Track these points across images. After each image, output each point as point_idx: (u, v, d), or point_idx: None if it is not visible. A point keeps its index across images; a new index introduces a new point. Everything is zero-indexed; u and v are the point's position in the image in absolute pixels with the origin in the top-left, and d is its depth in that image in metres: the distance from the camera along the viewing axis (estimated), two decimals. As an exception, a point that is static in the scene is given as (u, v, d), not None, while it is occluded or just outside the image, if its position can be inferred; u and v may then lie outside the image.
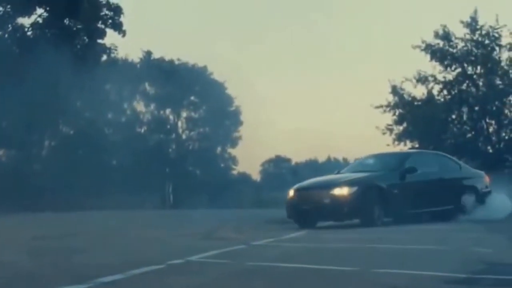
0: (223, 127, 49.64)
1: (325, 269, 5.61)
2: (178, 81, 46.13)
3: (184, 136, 50.03)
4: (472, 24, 23.06)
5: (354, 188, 11.73)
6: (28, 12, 30.55)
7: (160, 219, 18.12)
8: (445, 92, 23.71)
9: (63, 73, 27.61)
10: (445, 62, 23.37)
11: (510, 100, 23.25)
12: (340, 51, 78.17)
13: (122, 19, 31.82)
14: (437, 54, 23.28)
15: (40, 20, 31.12)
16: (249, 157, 65.00)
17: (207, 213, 20.39)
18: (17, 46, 30.47)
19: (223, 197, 37.55)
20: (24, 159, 32.67)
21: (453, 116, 24.04)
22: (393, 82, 23.92)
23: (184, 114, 49.56)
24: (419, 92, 24.09)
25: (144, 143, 44.50)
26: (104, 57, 32.90)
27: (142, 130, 48.05)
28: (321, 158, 63.31)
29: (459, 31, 23.32)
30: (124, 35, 31.94)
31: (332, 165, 41.22)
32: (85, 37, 31.56)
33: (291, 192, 12.43)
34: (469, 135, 23.98)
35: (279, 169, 63.06)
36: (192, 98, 49.33)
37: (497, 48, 23.07)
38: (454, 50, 23.33)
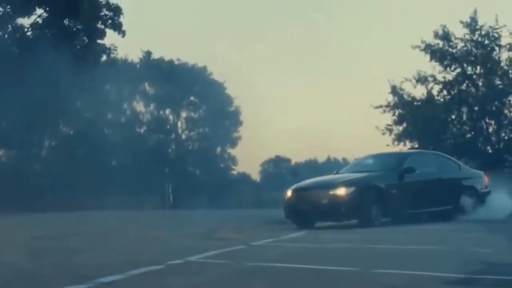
0: (222, 127, 49.64)
1: (325, 269, 5.62)
2: (177, 81, 46.14)
3: (183, 136, 50.05)
4: (472, 24, 23.07)
5: (352, 189, 11.69)
6: (28, 13, 30.55)
7: (160, 219, 18.13)
8: (444, 92, 23.72)
9: (63, 73, 27.61)
10: (445, 62, 23.38)
11: (509, 100, 23.26)
12: (340, 51, 78.27)
13: (121, 19, 31.83)
14: (436, 54, 23.29)
15: (39, 20, 31.12)
16: (248, 157, 65.10)
17: (206, 213, 20.39)
18: (17, 47, 30.47)
19: (223, 197, 37.56)
20: (24, 159, 32.67)
21: (453, 116, 24.04)
22: (392, 82, 23.96)
23: (183, 114, 49.59)
24: (419, 92, 24.15)
25: (144, 143, 44.51)
26: (104, 57, 32.91)
27: (142, 130, 48.05)
28: (321, 158, 63.39)
29: (459, 31, 23.37)
30: (123, 36, 31.95)
31: (331, 165, 41.25)
32: (84, 38, 31.56)
33: (289, 193, 12.39)
34: (468, 135, 23.99)
35: (278, 169, 63.09)
36: (191, 98, 49.34)
37: (496, 48, 23.08)
38: (454, 50, 23.34)
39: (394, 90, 23.93)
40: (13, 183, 27.98)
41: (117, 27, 31.68)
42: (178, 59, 47.82)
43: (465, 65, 23.38)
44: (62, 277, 5.32)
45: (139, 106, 48.19)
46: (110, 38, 32.28)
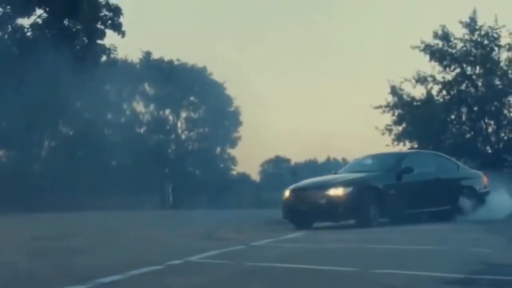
0: (222, 128, 49.64)
1: (324, 270, 5.63)
2: (177, 82, 46.14)
3: (183, 137, 50.05)
4: (471, 25, 23.09)
5: (350, 189, 11.66)
6: (28, 13, 30.56)
7: (160, 219, 18.14)
8: (444, 92, 23.74)
9: (62, 73, 27.62)
10: (444, 63, 23.40)
11: (509, 101, 23.29)
12: (340, 51, 78.30)
13: (121, 19, 31.86)
14: (436, 55, 23.31)
15: (39, 20, 31.14)
16: (248, 158, 65.19)
17: (206, 214, 20.41)
18: (17, 47, 30.48)
19: (223, 198, 37.56)
20: (24, 160, 32.68)
21: (452, 117, 24.06)
22: (392, 82, 23.99)
23: (183, 114, 49.58)
24: (418, 92, 24.18)
25: (144, 143, 44.50)
26: (104, 58, 32.93)
27: (142, 131, 48.05)
28: (321, 159, 63.45)
29: (458, 32, 23.40)
30: (123, 36, 31.96)
31: (331, 165, 41.27)
32: (84, 38, 31.58)
33: (287, 193, 12.35)
34: (468, 135, 24.01)
35: (278, 170, 63.11)
36: (191, 98, 49.34)
37: (496, 49, 23.11)
38: (453, 51, 23.36)
39: (394, 90, 23.95)
40: (13, 183, 27.99)
41: (117, 27, 31.70)
42: (177, 60, 47.86)
43: (464, 65, 23.40)
44: (62, 278, 5.33)
45: (139, 107, 48.22)
46: (110, 38, 32.32)
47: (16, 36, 30.72)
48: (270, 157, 64.19)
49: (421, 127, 23.40)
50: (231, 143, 50.37)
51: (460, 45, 23.34)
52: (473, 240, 8.20)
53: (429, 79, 23.55)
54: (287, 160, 63.54)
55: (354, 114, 75.18)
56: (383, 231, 10.40)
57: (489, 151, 23.61)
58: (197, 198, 37.05)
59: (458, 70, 23.45)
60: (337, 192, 11.65)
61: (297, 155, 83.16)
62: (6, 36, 30.71)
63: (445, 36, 23.32)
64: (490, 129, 23.70)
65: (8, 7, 29.96)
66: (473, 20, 23.07)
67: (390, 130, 23.94)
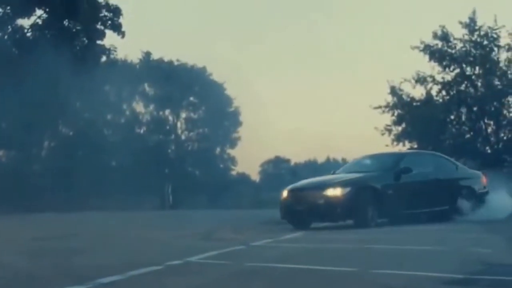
0: (222, 128, 49.66)
1: (324, 270, 5.63)
2: (177, 82, 46.15)
3: (183, 137, 50.06)
4: (471, 25, 23.09)
5: (347, 189, 11.61)
6: (28, 13, 30.58)
7: (160, 219, 18.15)
8: (443, 92, 23.74)
9: (62, 74, 27.65)
10: (444, 63, 23.40)
11: (508, 101, 23.29)
12: (340, 51, 78.33)
13: (121, 20, 31.89)
14: (435, 55, 23.31)
15: (39, 21, 31.15)
16: (248, 158, 65.25)
17: (206, 214, 20.42)
18: (17, 47, 30.51)
19: (222, 198, 37.61)
20: (23, 160, 32.70)
21: (452, 117, 24.06)
22: (392, 82, 23.98)
23: (183, 114, 49.60)
24: (418, 92, 24.15)
25: (144, 143, 44.51)
26: (104, 58, 32.95)
27: (142, 131, 48.07)
28: (320, 159, 63.50)
29: (458, 32, 23.39)
30: (123, 36, 31.99)
31: (331, 166, 41.24)
32: (84, 38, 31.60)
33: (285, 193, 12.31)
34: (467, 135, 24.01)
35: (278, 170, 63.10)
36: (191, 98, 49.36)
37: (495, 49, 23.10)
38: (453, 51, 23.36)
39: (393, 91, 23.95)
40: (13, 183, 28.01)
41: (117, 28, 31.72)
42: (177, 60, 47.89)
43: (464, 65, 23.40)
44: (61, 278, 5.34)
45: (139, 107, 48.25)
46: (110, 39, 32.35)
47: (16, 37, 30.74)
48: (269, 157, 64.25)
49: (420, 128, 23.40)
50: (231, 143, 50.39)
51: (459, 45, 23.37)
52: (473, 240, 8.21)
53: (429, 79, 23.56)
54: (287, 160, 63.58)
55: (354, 114, 75.24)
56: (382, 231, 10.40)
57: (489, 151, 23.61)
58: (197, 198, 37.10)
59: (457, 70, 23.45)
60: (335, 192, 11.61)
61: (297, 155, 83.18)
62: (6, 37, 30.74)
63: (445, 37, 23.33)
64: (489, 129, 23.71)
65: (8, 7, 29.98)
66: (472, 20, 23.08)
67: (389, 131, 23.94)
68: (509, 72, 23.14)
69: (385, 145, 23.76)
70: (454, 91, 23.57)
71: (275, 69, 76.95)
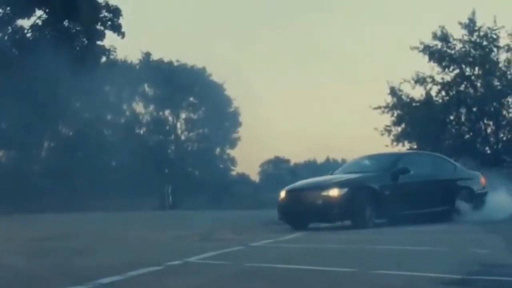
0: (222, 128, 49.70)
1: (323, 270, 5.65)
2: (177, 82, 46.18)
3: (183, 137, 50.10)
4: (470, 26, 23.12)
5: (345, 190, 11.54)
6: (28, 14, 30.62)
7: (159, 220, 18.15)
8: (443, 93, 23.76)
9: (62, 74, 27.67)
10: (443, 63, 23.42)
11: (508, 101, 23.31)
12: (340, 51, 78.41)
13: (121, 20, 31.94)
14: (435, 55, 23.33)
15: (39, 22, 31.19)
16: (248, 158, 65.31)
17: (206, 214, 20.42)
18: (17, 48, 30.54)
19: (222, 198, 37.59)
20: (23, 160, 32.72)
21: (451, 117, 24.08)
22: (391, 83, 24.01)
23: (183, 115, 49.65)
24: (417, 93, 24.17)
25: (143, 144, 44.53)
26: (103, 59, 33.00)
27: (141, 131, 48.11)
28: (320, 159, 63.58)
29: (457, 33, 23.43)
30: (123, 37, 32.04)
31: (331, 166, 41.23)
32: (84, 39, 31.63)
33: (283, 194, 12.26)
34: (467, 136, 24.03)
35: (278, 170, 63.14)
36: (191, 99, 49.39)
37: (495, 49, 23.13)
38: (452, 51, 23.39)
39: (393, 91, 23.97)
40: (13, 183, 28.03)
41: (117, 28, 31.76)
42: (177, 60, 47.93)
43: (463, 66, 23.43)
44: (61, 278, 5.36)
45: (139, 107, 48.30)
46: (110, 39, 32.41)
47: (16, 37, 30.78)
48: (269, 157, 64.33)
49: (420, 128, 23.41)
50: (230, 143, 50.43)
51: (459, 46, 23.40)
52: (471, 241, 8.22)
53: (428, 80, 23.58)
54: (287, 161, 63.64)
55: (354, 114, 75.39)
56: (382, 232, 10.40)
57: (488, 151, 23.62)
58: (197, 199, 37.06)
59: (457, 71, 23.47)
60: (332, 193, 11.54)
61: (296, 156, 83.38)
62: (6, 37, 30.76)
63: (444, 37, 23.35)
64: (489, 130, 23.73)
65: (8, 8, 30.02)
66: (472, 21, 23.10)
67: (389, 131, 23.96)
68: (508, 72, 23.17)
69: (385, 145, 23.81)
70: (454, 92, 23.59)
71: (275, 69, 77.08)
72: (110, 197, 30.31)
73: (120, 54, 37.63)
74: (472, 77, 23.52)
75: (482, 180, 13.69)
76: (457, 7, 51.09)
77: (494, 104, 23.19)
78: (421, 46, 23.29)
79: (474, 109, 23.71)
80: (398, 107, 23.97)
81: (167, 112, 49.15)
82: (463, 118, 24.00)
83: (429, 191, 12.44)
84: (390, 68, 57.98)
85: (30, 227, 13.92)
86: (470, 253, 6.68)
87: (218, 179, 46.26)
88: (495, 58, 23.21)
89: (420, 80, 23.54)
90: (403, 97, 24.02)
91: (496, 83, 23.21)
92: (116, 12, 31.77)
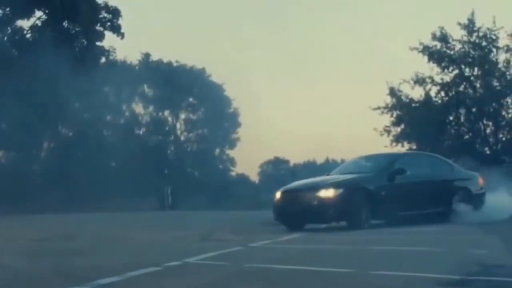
0: (221, 129, 49.72)
1: (322, 271, 5.66)
2: (176, 83, 46.21)
3: (182, 138, 50.12)
4: (470, 26, 23.13)
5: (340, 190, 11.43)
6: (27, 15, 30.64)
7: (159, 220, 18.16)
8: (442, 93, 23.78)
9: (62, 75, 27.68)
10: (443, 64, 23.44)
11: (507, 102, 23.34)
12: (340, 52, 78.39)
13: (120, 21, 31.97)
14: (434, 56, 23.35)
15: (39, 22, 31.21)
16: (247, 159, 65.30)
17: (205, 215, 20.42)
18: (16, 49, 30.57)
19: (222, 199, 37.61)
20: (23, 161, 32.73)
21: (451, 118, 24.09)
22: (391, 83, 24.02)
23: (182, 115, 49.68)
24: (417, 93, 24.21)
25: (143, 144, 44.54)
26: (103, 60, 33.02)
27: (141, 132, 48.12)
28: (320, 160, 63.60)
29: (457, 33, 23.46)
30: (122, 38, 32.06)
31: (330, 166, 41.15)
32: (83, 40, 31.66)
33: (278, 195, 12.18)
34: (466, 136, 24.04)
35: (277, 171, 63.16)
36: (190, 100, 49.41)
37: (494, 50, 23.15)
38: (452, 52, 23.41)
39: (392, 92, 23.99)
40: (13, 184, 28.04)
41: (116, 29, 31.79)
42: (176, 61, 47.97)
43: (462, 66, 23.45)
44: (61, 279, 5.37)
45: (138, 108, 48.33)
46: (109, 40, 32.50)
47: (15, 38, 30.80)
48: (269, 158, 64.35)
49: (419, 128, 23.43)
50: (230, 144, 50.46)
51: (458, 46, 23.42)
52: (470, 242, 8.23)
53: (428, 80, 23.60)
54: (286, 161, 63.66)
55: (353, 115, 75.37)
56: (380, 233, 10.39)
57: (488, 152, 23.63)
58: (196, 199, 37.09)
59: (456, 71, 23.49)
60: (327, 193, 11.43)
61: (296, 156, 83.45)
62: (5, 38, 30.78)
63: (444, 38, 23.37)
64: (488, 130, 23.74)
65: (8, 9, 30.05)
66: (471, 21, 23.12)
67: (388, 131, 23.98)
68: (507, 73, 23.18)
69: (384, 146, 23.83)
70: (453, 92, 23.61)
71: (274, 70, 77.13)
72: (110, 198, 30.33)
73: (119, 55, 37.77)
74: (472, 78, 23.54)
75: (480, 180, 13.62)
76: (457, 7, 51.16)
77: (494, 104, 23.20)
78: (421, 47, 23.34)
79: (474, 109, 23.73)
80: (397, 108, 23.99)
81: (166, 112, 49.19)
82: (462, 119, 24.02)
83: (425, 192, 12.35)
84: (389, 68, 58.04)
85: (30, 227, 13.93)
86: (468, 254, 6.69)
87: (218, 179, 46.28)
88: (494, 59, 23.24)
89: (420, 81, 23.57)
90: (403, 97, 24.05)
91: (495, 83, 23.23)
92: (115, 13, 31.80)
